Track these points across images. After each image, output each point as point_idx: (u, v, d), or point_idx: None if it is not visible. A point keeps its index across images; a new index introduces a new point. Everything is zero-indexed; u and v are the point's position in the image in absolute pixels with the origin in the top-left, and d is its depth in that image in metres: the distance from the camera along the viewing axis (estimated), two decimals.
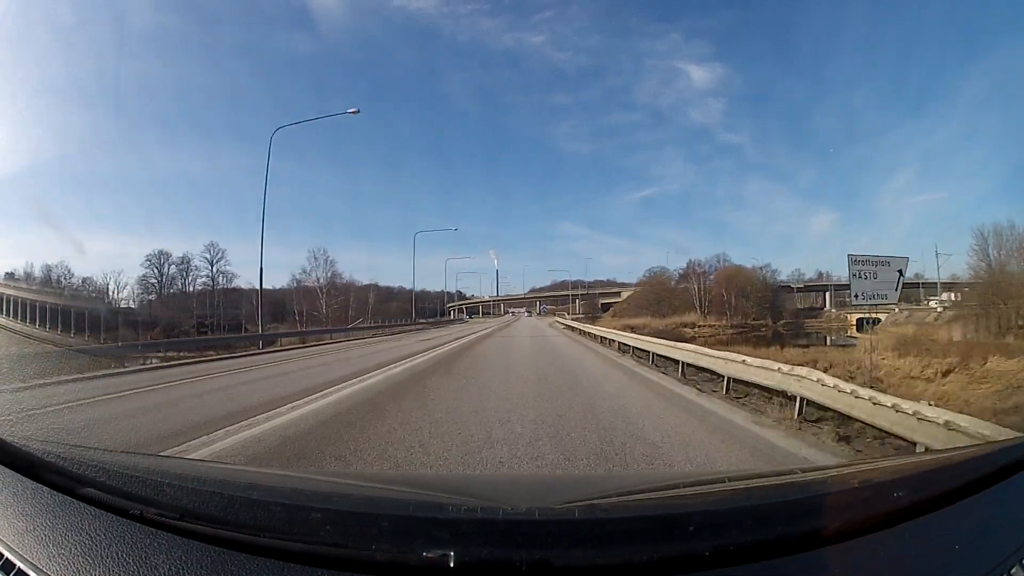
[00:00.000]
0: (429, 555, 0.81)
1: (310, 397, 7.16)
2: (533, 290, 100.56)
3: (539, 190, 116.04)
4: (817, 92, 76.22)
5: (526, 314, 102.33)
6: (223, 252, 50.79)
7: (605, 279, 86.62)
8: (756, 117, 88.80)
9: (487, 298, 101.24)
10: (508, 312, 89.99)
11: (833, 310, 58.17)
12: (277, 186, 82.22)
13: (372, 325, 41.30)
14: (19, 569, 0.88)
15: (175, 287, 50.42)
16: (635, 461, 4.31)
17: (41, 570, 0.86)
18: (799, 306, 61.00)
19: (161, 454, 4.07)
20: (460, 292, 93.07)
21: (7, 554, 0.91)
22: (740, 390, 7.66)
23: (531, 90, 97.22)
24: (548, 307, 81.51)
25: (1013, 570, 0.84)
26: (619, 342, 16.55)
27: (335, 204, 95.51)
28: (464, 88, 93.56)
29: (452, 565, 0.78)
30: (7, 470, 1.13)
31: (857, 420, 4.88)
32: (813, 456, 4.53)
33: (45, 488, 1.07)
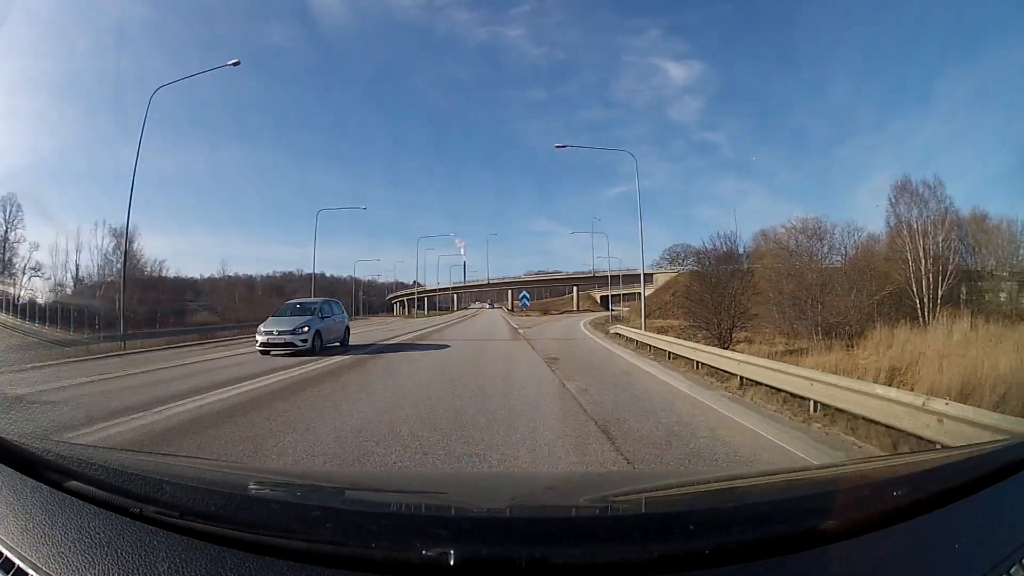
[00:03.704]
0: (429, 553, 0.81)
1: None
2: (506, 279, 73.95)
3: (510, 185, 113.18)
4: (795, 91, 74.29)
5: (488, 307, 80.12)
6: (19, 209, 33.42)
7: (587, 271, 65.79)
8: (733, 115, 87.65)
9: (437, 287, 75.34)
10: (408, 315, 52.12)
11: None
12: (241, 174, 79.75)
13: None
14: (18, 567, 0.88)
15: None
16: None
17: (40, 568, 0.86)
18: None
19: (161, 452, 4.08)
20: (417, 282, 72.69)
21: (6, 552, 0.91)
22: None
23: (505, 85, 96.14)
24: (527, 299, 42.65)
25: (1012, 570, 0.84)
26: None
27: (298, 196, 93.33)
28: (436, 81, 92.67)
29: (452, 563, 0.78)
30: (6, 468, 1.13)
31: None
32: None
33: (44, 486, 1.07)
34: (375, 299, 74.39)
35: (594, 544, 0.88)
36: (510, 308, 58.70)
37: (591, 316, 45.25)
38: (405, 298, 76.24)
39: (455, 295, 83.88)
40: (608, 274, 44.54)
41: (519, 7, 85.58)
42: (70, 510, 1.00)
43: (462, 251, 74.24)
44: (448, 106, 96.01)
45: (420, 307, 71.15)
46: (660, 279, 52.80)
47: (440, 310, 74.28)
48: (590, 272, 63.28)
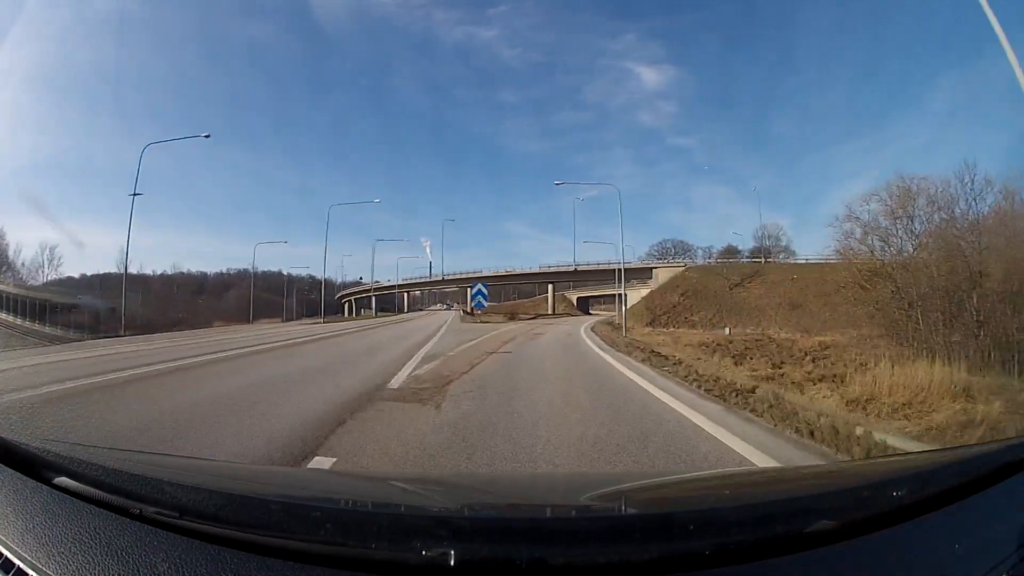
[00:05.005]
0: (429, 553, 0.81)
1: None
2: (465, 274, 57.05)
3: (486, 189, 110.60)
4: (769, 99, 74.22)
5: (444, 309, 72.65)
6: None
7: (566, 265, 53.67)
8: (708, 120, 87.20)
9: (377, 286, 61.99)
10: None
11: None
12: (231, 175, 78.82)
13: None
14: (18, 568, 0.88)
15: None
16: None
17: (41, 569, 0.86)
18: None
19: (161, 452, 4.06)
20: (377, 280, 63.10)
21: (6, 553, 0.91)
22: None
23: (481, 86, 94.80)
24: (484, 295, 26.05)
25: (1013, 570, 0.84)
26: None
27: (278, 196, 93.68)
28: (411, 81, 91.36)
29: (452, 563, 0.78)
30: (7, 468, 1.13)
31: None
32: None
33: (45, 486, 1.07)
34: (327, 298, 65.78)
35: (594, 544, 0.88)
36: (468, 310, 43.25)
37: (584, 322, 31.86)
38: (353, 298, 67.39)
39: (403, 294, 71.63)
40: (620, 266, 28.69)
41: (497, 7, 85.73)
42: (70, 510, 0.99)
43: (427, 251, 66.40)
44: (423, 106, 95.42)
45: (369, 307, 63.42)
46: (662, 275, 43.58)
47: (382, 311, 62.70)
48: (570, 266, 52.02)
